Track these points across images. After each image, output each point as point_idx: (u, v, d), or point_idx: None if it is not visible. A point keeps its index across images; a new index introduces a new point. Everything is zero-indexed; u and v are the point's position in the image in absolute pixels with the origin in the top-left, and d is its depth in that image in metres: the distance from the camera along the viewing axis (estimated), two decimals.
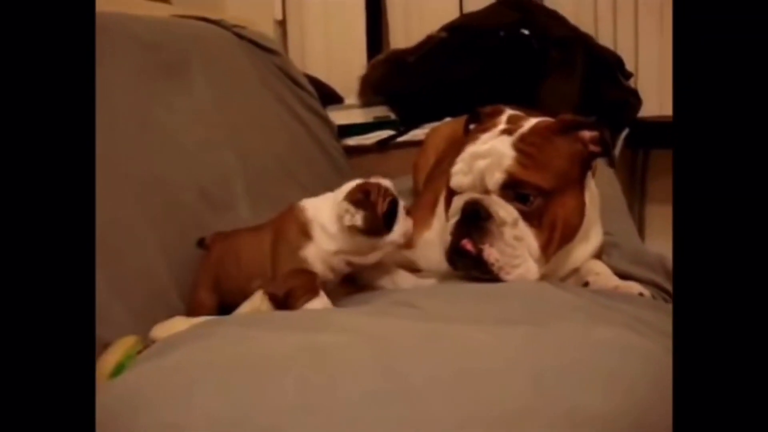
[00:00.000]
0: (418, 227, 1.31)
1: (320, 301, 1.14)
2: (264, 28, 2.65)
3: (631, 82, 2.85)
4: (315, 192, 1.92)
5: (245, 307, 1.17)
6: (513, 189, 1.13)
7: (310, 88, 2.26)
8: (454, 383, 0.71)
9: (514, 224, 1.13)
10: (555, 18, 2.70)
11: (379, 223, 1.13)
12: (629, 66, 2.83)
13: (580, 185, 1.18)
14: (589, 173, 1.23)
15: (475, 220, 1.14)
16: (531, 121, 1.20)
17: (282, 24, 3.05)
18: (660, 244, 3.00)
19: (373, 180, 1.17)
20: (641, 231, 3.01)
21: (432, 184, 1.53)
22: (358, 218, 1.12)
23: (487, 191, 1.15)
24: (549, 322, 0.86)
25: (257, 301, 1.16)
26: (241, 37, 2.04)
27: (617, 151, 2.70)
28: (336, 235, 1.16)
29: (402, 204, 1.16)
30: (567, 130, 1.17)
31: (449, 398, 0.69)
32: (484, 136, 1.19)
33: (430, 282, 1.23)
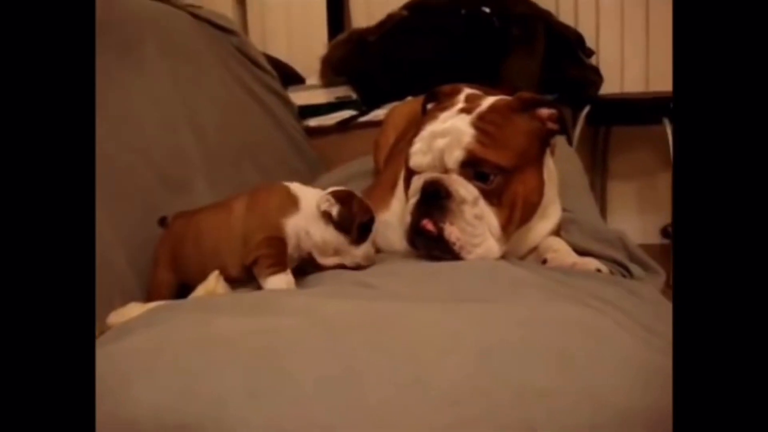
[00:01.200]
0: (377, 208, 1.30)
1: (284, 278, 1.13)
2: (223, 7, 2.62)
3: (593, 60, 2.87)
4: (275, 173, 1.93)
5: (200, 290, 1.15)
6: (473, 167, 1.12)
7: (269, 68, 2.23)
8: (400, 365, 0.70)
9: (475, 203, 1.12)
10: None
11: (350, 224, 1.14)
12: (590, 43, 2.85)
13: (538, 163, 1.18)
14: (548, 151, 1.22)
15: (435, 200, 1.13)
16: (489, 100, 1.19)
17: (241, 3, 3.01)
18: (621, 219, 3.05)
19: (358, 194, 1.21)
20: (603, 207, 3.04)
21: (391, 164, 1.51)
22: (334, 209, 1.14)
23: (446, 170, 1.14)
24: (500, 298, 0.86)
25: (212, 283, 1.15)
26: (196, 16, 1.99)
27: (578, 128, 2.72)
28: (314, 219, 1.16)
29: (374, 231, 1.19)
30: (525, 107, 1.16)
31: (395, 381, 0.69)
32: (443, 115, 1.18)
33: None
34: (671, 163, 2.60)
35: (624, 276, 1.26)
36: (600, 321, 0.81)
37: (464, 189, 1.12)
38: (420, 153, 1.17)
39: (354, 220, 1.15)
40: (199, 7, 2.06)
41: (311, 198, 1.18)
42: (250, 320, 0.79)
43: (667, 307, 1.01)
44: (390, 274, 1.04)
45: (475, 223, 1.12)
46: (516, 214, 1.14)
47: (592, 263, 1.20)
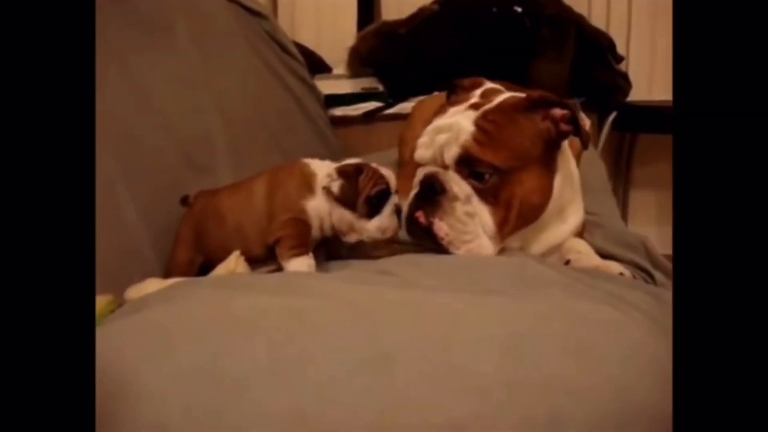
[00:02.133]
0: (400, 198, 1.30)
1: (306, 261, 1.13)
2: None
3: (622, 66, 2.84)
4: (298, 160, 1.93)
5: (220, 269, 1.15)
6: (468, 165, 1.13)
7: (298, 55, 2.23)
8: (428, 351, 0.70)
9: (467, 200, 1.12)
10: None
11: (353, 198, 1.13)
12: (621, 49, 2.82)
13: (545, 165, 1.16)
14: (563, 152, 1.21)
15: (430, 194, 1.14)
16: (501, 97, 1.18)
17: None
18: (642, 228, 3.02)
19: (376, 165, 1.18)
20: (624, 215, 3.02)
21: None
22: (335, 185, 1.13)
23: (445, 165, 1.14)
24: (527, 294, 0.85)
25: (233, 263, 1.15)
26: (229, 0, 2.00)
27: (604, 133, 2.70)
28: (327, 204, 1.16)
29: (394, 200, 1.15)
30: (534, 107, 1.15)
31: (422, 366, 0.68)
32: (452, 110, 1.18)
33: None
34: None
35: (646, 281, 1.25)
36: (623, 320, 0.80)
37: (458, 186, 1.13)
38: (423, 146, 1.18)
39: (358, 194, 1.13)
40: None
41: (321, 168, 1.19)
42: (273, 300, 0.79)
43: None
44: (413, 264, 1.03)
45: (466, 220, 1.12)
46: (512, 214, 1.14)
47: (615, 266, 1.19)
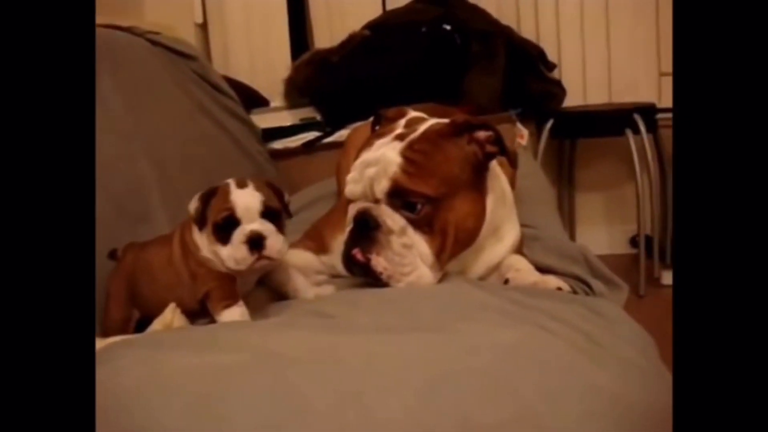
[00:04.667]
0: (336, 231, 1.29)
1: (238, 311, 1.11)
2: (184, 32, 2.60)
3: (555, 73, 2.89)
4: None
5: (157, 324, 1.13)
6: (400, 197, 1.12)
7: (231, 92, 2.22)
8: (342, 403, 0.69)
9: (402, 232, 1.12)
10: (475, 12, 2.73)
11: (200, 219, 1.10)
12: (552, 57, 2.87)
13: (475, 188, 1.17)
14: (492, 172, 1.22)
15: (365, 230, 1.13)
16: (425, 125, 1.19)
17: (203, 27, 2.99)
18: (590, 230, 3.07)
19: (233, 186, 1.10)
20: (571, 219, 3.06)
21: None
22: (191, 207, 1.11)
23: (377, 199, 1.14)
24: (456, 325, 0.85)
25: (169, 316, 1.13)
26: (154, 43, 1.98)
27: (542, 141, 2.74)
28: (203, 237, 1.13)
29: (244, 230, 1.08)
30: (459, 132, 1.15)
31: (337, 419, 0.67)
32: (378, 142, 1.18)
33: (329, 290, 1.21)
34: (636, 173, 2.63)
35: (586, 293, 1.26)
36: (555, 346, 0.80)
37: (391, 219, 1.12)
38: (353, 182, 1.17)
39: (206, 218, 1.09)
40: (157, 33, 2.05)
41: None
42: (199, 357, 0.78)
43: (628, 326, 1.01)
44: (350, 302, 1.03)
45: (404, 252, 1.12)
46: (448, 241, 1.14)
47: (553, 281, 1.20)
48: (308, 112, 2.55)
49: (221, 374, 0.73)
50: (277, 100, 2.67)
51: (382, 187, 1.13)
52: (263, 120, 2.43)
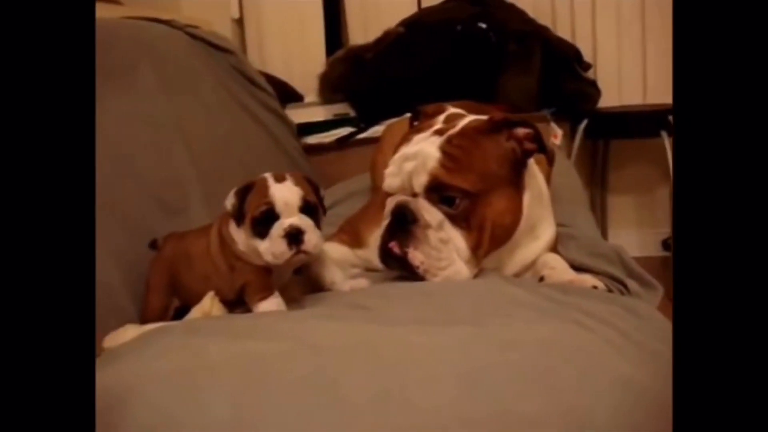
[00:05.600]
0: (372, 226, 1.30)
1: (274, 302, 1.12)
2: (221, 27, 2.62)
3: (590, 73, 2.87)
4: None
5: (196, 312, 1.15)
6: (438, 192, 1.13)
7: (267, 87, 2.24)
8: (386, 390, 0.70)
9: (440, 227, 1.13)
10: (512, 11, 2.71)
11: (238, 214, 1.10)
12: (587, 57, 2.85)
13: (512, 185, 1.17)
14: (530, 170, 1.22)
15: (402, 224, 1.14)
16: (464, 121, 1.19)
17: (239, 23, 3.02)
18: (621, 232, 3.04)
19: (272, 180, 1.10)
20: (603, 221, 3.04)
21: None
22: (228, 203, 1.11)
23: (415, 193, 1.15)
24: (492, 320, 0.85)
25: (207, 305, 1.14)
26: (193, 36, 2.00)
27: (576, 142, 2.72)
28: (240, 232, 1.13)
29: (283, 224, 1.07)
30: (498, 128, 1.16)
31: (379, 408, 0.68)
32: (417, 137, 1.18)
33: (363, 283, 1.21)
34: (670, 176, 2.60)
35: (621, 292, 1.25)
36: (590, 342, 0.81)
37: (428, 214, 1.13)
38: (392, 175, 1.18)
39: (244, 213, 1.09)
40: (197, 27, 2.07)
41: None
42: (239, 344, 0.79)
43: (663, 324, 1.00)
44: (386, 295, 1.03)
45: (440, 247, 1.12)
46: (485, 237, 1.14)
47: (588, 280, 1.20)
48: (342, 108, 2.56)
49: (261, 362, 0.74)
50: (311, 96, 2.69)
51: (420, 181, 1.13)
52: (297, 115, 2.44)
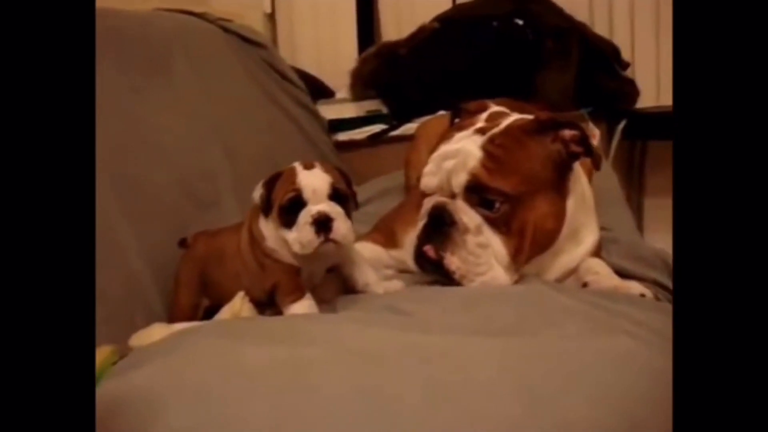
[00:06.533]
0: (407, 226, 1.26)
1: (306, 304, 1.09)
2: (253, 21, 2.60)
3: (628, 72, 2.79)
4: None
5: (225, 312, 1.12)
6: (477, 193, 1.08)
7: (299, 82, 2.21)
8: (443, 401, 0.66)
9: (478, 231, 1.08)
10: (549, 7, 2.64)
11: (265, 205, 1.07)
12: (626, 55, 2.78)
13: (556, 188, 1.12)
14: (575, 173, 1.16)
15: (439, 226, 1.10)
16: (509, 120, 1.14)
17: (271, 17, 2.99)
18: (659, 236, 2.95)
19: (300, 168, 1.07)
20: (640, 223, 2.96)
21: None
22: (256, 194, 1.09)
23: (453, 193, 1.10)
24: (543, 330, 0.81)
25: (238, 305, 1.12)
26: (226, 30, 1.98)
27: (614, 142, 2.66)
28: (268, 224, 1.11)
29: (311, 211, 1.04)
30: (544, 129, 1.11)
31: (436, 417, 0.64)
32: (458, 135, 1.14)
33: (398, 285, 1.17)
34: None
35: (668, 300, 1.20)
36: (642, 352, 0.77)
37: (467, 217, 1.09)
38: (430, 174, 1.14)
39: (269, 201, 1.06)
40: (229, 21, 2.05)
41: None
42: (277, 349, 0.75)
43: None
44: (425, 300, 0.99)
45: (479, 252, 1.08)
46: (526, 243, 1.09)
47: (635, 287, 1.15)
48: (374, 105, 2.51)
49: (302, 369, 0.71)
50: (342, 92, 2.65)
51: (459, 180, 1.09)
52: (328, 111, 2.40)
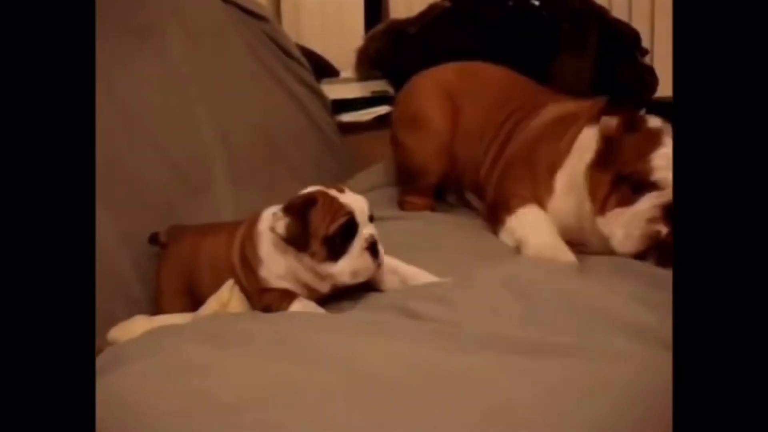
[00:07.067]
0: (544, 193, 1.30)
1: (304, 302, 0.99)
2: None
3: (647, 60, 2.68)
4: (305, 173, 1.78)
5: (213, 302, 1.03)
6: None
7: (302, 59, 2.10)
8: None
9: None
10: None
11: (302, 238, 0.96)
12: (644, 42, 2.66)
13: None
14: None
15: None
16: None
17: None
18: None
19: (335, 192, 1.00)
20: None
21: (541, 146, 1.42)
22: (280, 224, 0.97)
23: None
24: (580, 341, 0.69)
25: (226, 295, 1.02)
26: (226, 1, 1.85)
27: None
28: (281, 251, 1.01)
29: (364, 234, 0.97)
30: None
31: None
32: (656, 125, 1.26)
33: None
34: None
35: None
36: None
37: None
38: (668, 170, 1.16)
39: (311, 233, 0.96)
40: None
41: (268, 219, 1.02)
42: (268, 368, 0.63)
43: None
44: (441, 300, 0.87)
45: None
46: None
47: None
48: (380, 85, 2.42)
49: (301, 400, 0.58)
50: (347, 71, 2.54)
51: None
52: (333, 91, 2.30)
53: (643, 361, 0.66)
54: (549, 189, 1.33)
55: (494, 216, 1.36)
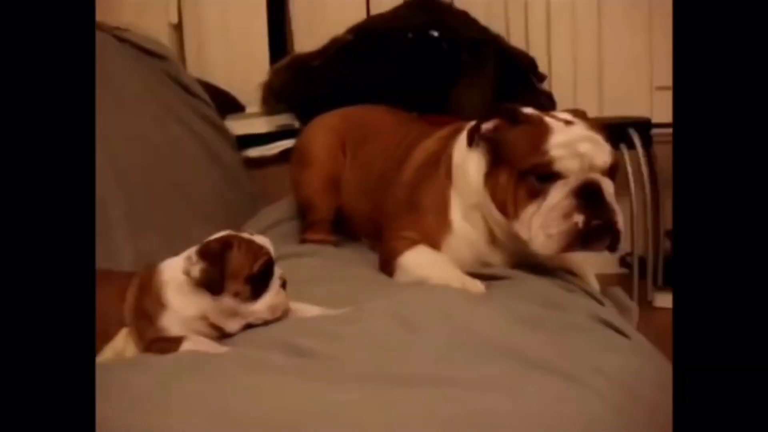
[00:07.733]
0: (440, 231, 1.31)
1: (191, 342, 0.99)
2: (158, 32, 2.46)
3: (545, 85, 2.77)
4: (210, 211, 1.77)
5: (107, 351, 1.02)
6: (611, 172, 1.21)
7: (204, 95, 2.10)
8: None
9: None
10: (465, 19, 2.60)
11: (219, 282, 0.98)
12: (542, 67, 2.75)
13: None
14: None
15: (595, 201, 1.17)
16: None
17: (178, 28, 2.84)
18: None
19: (246, 234, 1.04)
20: None
21: (422, 188, 1.40)
22: (195, 269, 0.98)
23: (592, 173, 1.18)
24: (464, 372, 0.71)
25: (120, 344, 1.01)
26: (122, 40, 1.84)
27: None
28: (192, 296, 1.01)
29: (278, 273, 1.03)
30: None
31: None
32: (578, 125, 1.23)
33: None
34: (630, 191, 2.51)
35: None
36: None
37: (611, 189, 1.20)
38: (568, 158, 1.18)
39: (227, 275, 0.98)
40: (126, 30, 1.91)
41: (175, 269, 1.02)
42: (139, 418, 0.63)
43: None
44: (326, 334, 0.88)
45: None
46: None
47: None
48: (286, 119, 2.42)
49: None
50: (253, 106, 2.54)
51: (605, 161, 1.19)
52: (238, 126, 2.31)
53: (513, 387, 0.69)
54: (445, 226, 1.32)
55: (388, 267, 1.34)
